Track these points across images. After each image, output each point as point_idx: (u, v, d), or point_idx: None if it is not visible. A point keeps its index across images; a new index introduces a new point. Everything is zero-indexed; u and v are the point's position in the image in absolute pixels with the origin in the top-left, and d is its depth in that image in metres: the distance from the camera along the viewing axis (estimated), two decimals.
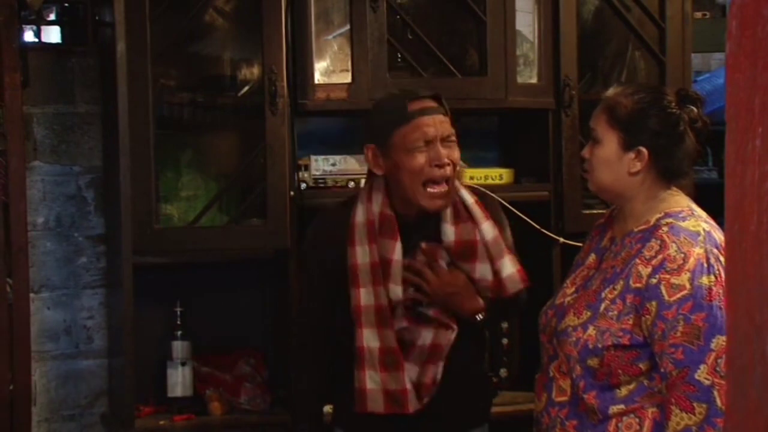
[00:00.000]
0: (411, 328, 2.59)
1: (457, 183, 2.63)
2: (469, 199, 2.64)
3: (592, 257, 2.46)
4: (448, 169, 2.53)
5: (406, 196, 2.56)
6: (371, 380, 2.57)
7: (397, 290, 2.56)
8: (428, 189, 2.53)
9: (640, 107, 2.34)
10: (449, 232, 2.60)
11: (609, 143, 2.36)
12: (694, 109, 2.36)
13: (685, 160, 2.37)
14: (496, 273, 2.62)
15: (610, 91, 2.44)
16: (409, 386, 2.55)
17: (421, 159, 2.52)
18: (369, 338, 2.56)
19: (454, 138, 2.56)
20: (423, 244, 2.60)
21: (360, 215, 2.61)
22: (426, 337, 2.59)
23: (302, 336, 2.76)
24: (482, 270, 2.62)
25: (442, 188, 2.54)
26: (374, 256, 2.57)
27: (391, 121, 2.55)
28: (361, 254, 2.58)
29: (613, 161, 2.36)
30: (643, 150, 2.33)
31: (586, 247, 2.55)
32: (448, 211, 2.60)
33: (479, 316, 2.63)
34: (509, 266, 2.63)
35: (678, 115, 2.34)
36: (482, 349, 2.83)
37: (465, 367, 2.68)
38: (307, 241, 2.78)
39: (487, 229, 2.62)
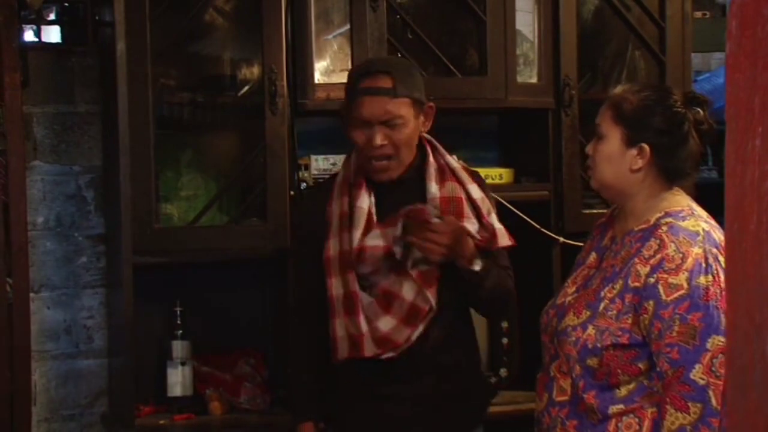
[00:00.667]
0: (396, 280, 2.60)
1: (442, 150, 2.69)
2: (455, 164, 2.70)
3: (593, 256, 2.46)
4: (383, 150, 2.59)
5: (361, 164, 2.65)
6: (340, 327, 2.61)
7: (356, 234, 2.59)
8: (372, 162, 2.61)
9: (646, 104, 2.35)
10: (434, 189, 2.64)
11: (612, 139, 2.36)
12: (701, 111, 2.36)
13: (688, 161, 2.37)
14: (485, 227, 2.63)
15: (618, 89, 2.45)
16: (365, 330, 2.57)
17: (359, 137, 2.61)
18: (336, 286, 2.62)
19: (398, 121, 2.58)
20: (403, 210, 2.59)
21: (340, 175, 2.71)
22: (408, 291, 2.58)
23: (299, 335, 2.77)
24: (469, 226, 2.63)
25: (383, 164, 2.61)
26: (344, 206, 2.64)
27: (348, 94, 2.65)
28: (336, 207, 2.66)
29: (615, 157, 2.36)
30: (646, 147, 2.33)
31: (587, 246, 2.55)
32: (433, 171, 2.65)
33: (478, 264, 2.59)
34: (497, 222, 2.67)
35: (683, 115, 2.34)
36: (474, 347, 2.81)
37: (456, 366, 2.67)
38: (298, 214, 2.87)
39: (474, 189, 2.67)
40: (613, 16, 3.57)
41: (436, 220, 2.59)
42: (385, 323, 2.58)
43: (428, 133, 2.72)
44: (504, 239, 2.65)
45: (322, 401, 2.77)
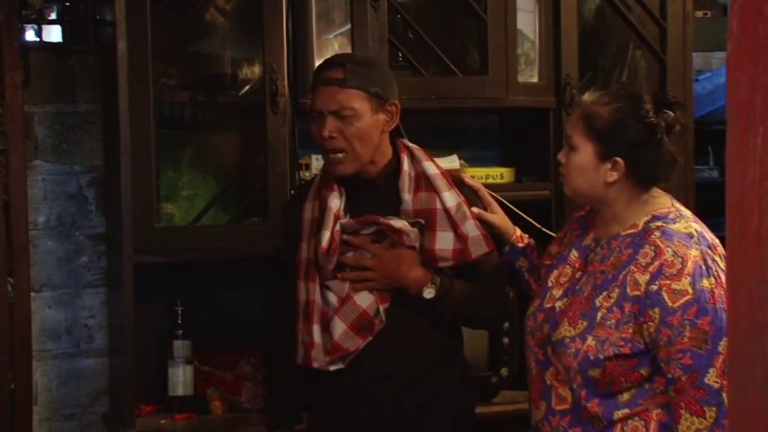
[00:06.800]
0: (339, 284, 2.59)
1: (419, 154, 2.63)
2: (433, 170, 2.62)
3: (574, 254, 2.43)
4: (333, 143, 2.55)
5: None
6: (300, 332, 2.62)
7: (325, 235, 2.56)
8: (328, 156, 2.59)
9: (618, 118, 2.31)
10: (407, 199, 2.59)
11: (585, 152, 2.34)
12: (672, 114, 2.33)
13: (662, 167, 2.34)
14: (460, 238, 2.58)
15: (587, 97, 2.40)
16: (317, 340, 2.56)
17: (314, 129, 2.59)
18: (302, 291, 2.62)
19: (349, 113, 2.54)
20: (343, 221, 2.58)
21: (318, 177, 2.72)
22: (363, 298, 2.56)
23: (280, 339, 2.77)
24: (443, 239, 2.58)
25: (336, 157, 2.57)
26: (315, 210, 2.63)
27: (311, 87, 2.65)
28: (308, 209, 2.66)
29: (588, 170, 2.34)
30: (620, 161, 2.30)
31: (566, 240, 2.52)
32: (406, 181, 2.60)
33: (428, 293, 2.56)
34: (474, 229, 2.59)
35: (656, 124, 2.31)
36: (458, 360, 2.73)
37: (432, 376, 2.63)
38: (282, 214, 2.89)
39: (449, 197, 2.60)
40: (614, 15, 3.57)
41: (376, 247, 2.57)
42: (337, 327, 2.55)
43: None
44: (477, 249, 2.59)
45: (299, 409, 2.78)
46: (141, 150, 3.11)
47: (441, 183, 2.61)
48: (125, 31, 3.05)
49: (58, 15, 3.53)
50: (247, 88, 3.35)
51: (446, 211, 2.58)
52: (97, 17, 3.43)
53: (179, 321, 3.30)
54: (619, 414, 2.26)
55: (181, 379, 3.29)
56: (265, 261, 3.46)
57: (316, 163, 3.29)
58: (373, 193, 2.62)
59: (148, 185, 3.14)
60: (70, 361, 3.47)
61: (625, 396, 2.27)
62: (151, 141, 3.14)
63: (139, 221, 3.11)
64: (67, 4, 3.51)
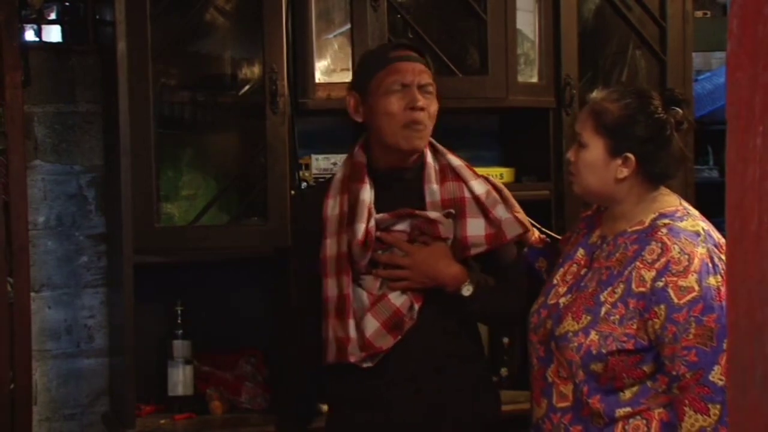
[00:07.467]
0: (385, 282, 2.56)
1: (441, 148, 2.64)
2: (457, 162, 2.63)
3: (580, 252, 2.43)
4: (422, 115, 2.53)
5: (384, 140, 2.55)
6: (331, 329, 2.57)
7: (360, 227, 2.53)
8: (410, 127, 2.53)
9: (628, 113, 2.32)
10: (434, 190, 2.58)
11: (595, 149, 2.34)
12: (680, 111, 2.33)
13: (672, 163, 2.34)
14: (492, 222, 2.57)
15: (596, 95, 2.40)
16: (353, 335, 2.52)
17: (396, 102, 2.52)
18: (331, 287, 2.57)
19: (432, 90, 2.56)
20: (377, 216, 2.56)
21: (338, 173, 2.66)
22: (396, 296, 2.54)
23: (296, 339, 2.74)
24: (474, 225, 2.57)
25: (419, 129, 2.53)
26: (343, 205, 2.58)
27: (372, 67, 2.58)
28: (333, 206, 2.60)
29: (599, 166, 2.34)
30: (631, 156, 2.31)
31: (573, 239, 2.53)
32: (432, 173, 2.59)
33: (467, 290, 2.54)
34: (505, 212, 2.59)
35: (665, 119, 2.31)
36: (478, 361, 2.71)
37: (455, 377, 2.60)
38: (294, 215, 2.87)
39: (477, 185, 2.60)
40: (614, 15, 3.57)
41: (410, 246, 2.55)
42: (370, 325, 2.53)
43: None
44: (512, 230, 2.58)
45: (309, 410, 2.77)
46: (141, 150, 3.11)
47: (467, 173, 2.62)
48: (125, 31, 3.05)
49: (58, 15, 3.54)
50: (246, 88, 3.35)
51: (476, 198, 2.58)
52: (97, 17, 3.43)
53: (179, 321, 3.30)
54: (620, 412, 2.26)
55: (180, 379, 3.29)
56: (265, 261, 3.47)
57: (316, 163, 3.30)
58: (402, 186, 2.61)
59: (148, 185, 3.14)
60: (70, 361, 3.47)
61: (627, 394, 2.27)
62: (151, 141, 3.14)
63: (139, 221, 3.11)
64: (67, 4, 3.51)
